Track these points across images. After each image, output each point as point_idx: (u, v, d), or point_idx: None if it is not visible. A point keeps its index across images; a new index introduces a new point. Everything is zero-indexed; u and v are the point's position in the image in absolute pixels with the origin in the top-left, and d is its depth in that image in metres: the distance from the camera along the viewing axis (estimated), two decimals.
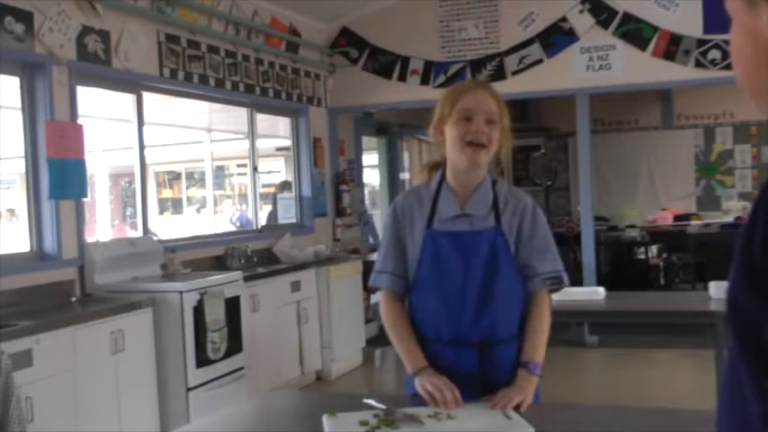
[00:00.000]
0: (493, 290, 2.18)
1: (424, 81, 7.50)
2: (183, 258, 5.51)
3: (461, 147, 2.19)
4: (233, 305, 5.04)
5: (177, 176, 14.10)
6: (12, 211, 8.14)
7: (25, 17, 4.40)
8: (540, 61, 7.25)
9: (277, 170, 10.32)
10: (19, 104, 4.54)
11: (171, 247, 5.48)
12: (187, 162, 13.11)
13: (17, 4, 4.35)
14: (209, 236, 6.57)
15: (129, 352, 4.27)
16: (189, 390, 4.61)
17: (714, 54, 6.80)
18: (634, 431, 2.00)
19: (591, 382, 6.68)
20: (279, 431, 2.08)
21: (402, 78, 7.57)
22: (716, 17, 6.57)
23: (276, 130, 7.93)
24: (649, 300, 5.19)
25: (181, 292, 4.61)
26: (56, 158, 4.55)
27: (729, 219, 9.64)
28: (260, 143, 7.25)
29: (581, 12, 7.13)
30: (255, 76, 6.66)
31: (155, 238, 5.57)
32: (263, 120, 7.18)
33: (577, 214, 8.31)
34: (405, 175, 10.27)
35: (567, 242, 8.68)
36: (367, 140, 9.33)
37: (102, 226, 9.33)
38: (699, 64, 6.88)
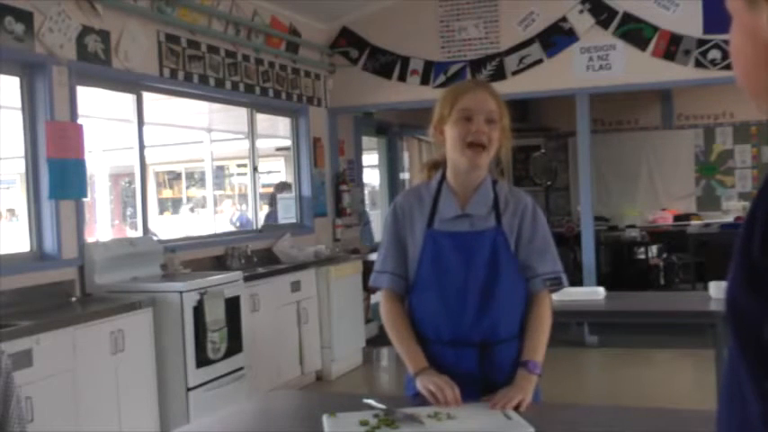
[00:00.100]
0: (494, 290, 2.18)
1: (424, 81, 7.50)
2: (183, 258, 5.51)
3: (462, 148, 2.19)
4: (233, 305, 5.04)
5: (177, 176, 14.09)
6: (12, 211, 8.14)
7: (25, 17, 4.40)
8: (540, 61, 7.25)
9: (277, 170, 10.32)
10: (19, 104, 4.54)
11: (171, 247, 5.48)
12: (187, 162, 13.10)
13: (17, 4, 4.35)
14: (209, 236, 6.57)
15: (129, 352, 4.27)
16: (189, 390, 4.61)
17: (714, 54, 6.80)
18: (634, 431, 2.00)
19: (591, 382, 6.68)
20: (279, 431, 2.08)
21: (402, 78, 7.58)
22: (716, 17, 6.57)
23: (276, 130, 7.93)
24: (649, 300, 5.19)
25: (181, 292, 4.61)
26: (56, 158, 4.55)
27: (729, 219, 9.65)
28: (260, 143, 7.25)
29: (581, 12, 7.13)
30: (255, 76, 6.66)
31: (155, 238, 5.57)
32: (263, 120, 7.18)
33: (577, 214, 8.31)
34: (405, 175, 10.26)
35: (567, 242, 8.68)
36: (367, 140, 9.33)
37: (102, 226, 9.32)
38: (699, 64, 6.88)
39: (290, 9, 7.08)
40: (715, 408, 0.84)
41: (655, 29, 6.98)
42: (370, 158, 9.87)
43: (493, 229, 2.22)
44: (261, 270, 6.00)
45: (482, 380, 2.16)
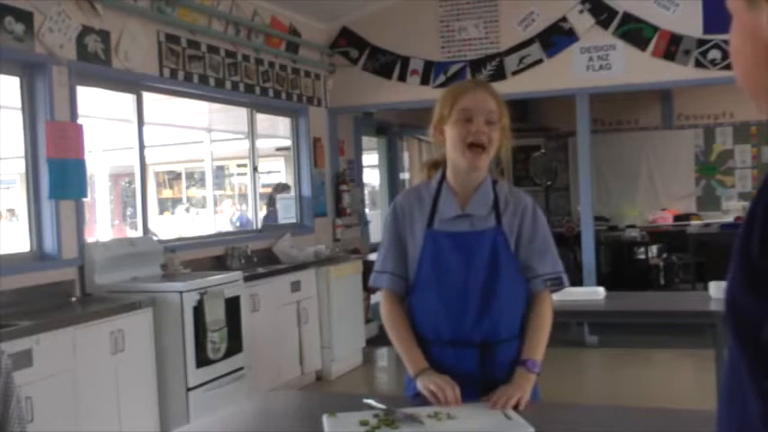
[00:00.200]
0: (495, 290, 2.18)
1: (424, 81, 7.50)
2: (183, 258, 5.51)
3: (462, 149, 2.19)
4: (233, 305, 5.04)
5: (177, 176, 14.09)
6: (12, 211, 8.14)
7: (25, 17, 4.40)
8: (540, 61, 7.25)
9: (277, 170, 10.32)
10: (19, 104, 4.54)
11: (171, 247, 5.48)
12: (187, 162, 13.10)
13: (17, 4, 4.35)
14: (209, 236, 6.58)
15: (129, 352, 4.27)
16: (189, 390, 4.61)
17: (714, 54, 6.80)
18: (634, 431, 2.00)
19: (591, 382, 6.68)
20: (279, 431, 2.08)
21: (402, 78, 7.57)
22: (716, 17, 6.57)
23: (276, 130, 7.93)
24: (649, 300, 5.19)
25: (181, 292, 4.61)
26: (56, 158, 4.55)
27: (729, 219, 9.65)
28: (260, 143, 7.25)
29: (581, 12, 7.13)
30: (255, 76, 6.66)
31: (155, 238, 5.57)
32: (263, 120, 7.18)
33: (577, 214, 8.31)
34: (405, 175, 10.26)
35: (567, 242, 8.68)
36: (367, 140, 9.33)
37: (102, 226, 9.33)
38: (699, 64, 6.88)
39: (290, 9, 7.08)
40: (715, 408, 0.84)
41: (655, 29, 6.98)
42: (370, 158, 9.87)
43: (493, 230, 2.22)
44: (261, 270, 6.00)
45: (482, 380, 2.16)
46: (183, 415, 4.55)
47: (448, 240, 2.21)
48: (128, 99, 5.48)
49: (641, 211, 10.35)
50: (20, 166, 4.78)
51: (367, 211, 9.09)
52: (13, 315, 3.87)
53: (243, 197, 11.95)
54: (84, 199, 4.87)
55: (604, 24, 7.09)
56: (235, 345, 5.03)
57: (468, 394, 2.08)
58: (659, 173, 10.63)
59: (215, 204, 10.17)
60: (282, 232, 6.94)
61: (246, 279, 5.40)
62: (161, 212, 13.47)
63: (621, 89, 7.49)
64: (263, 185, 8.07)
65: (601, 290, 4.70)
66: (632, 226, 9.79)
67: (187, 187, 14.07)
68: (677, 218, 10.12)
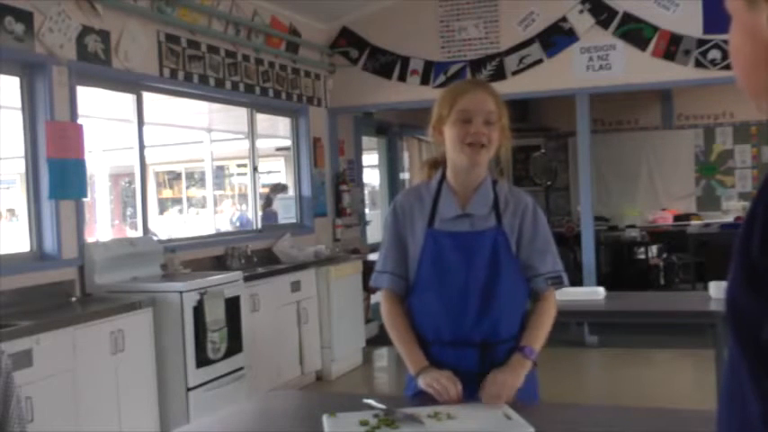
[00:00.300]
0: (495, 290, 2.18)
1: (424, 81, 7.50)
2: (183, 258, 5.51)
3: (461, 147, 2.19)
4: (233, 305, 5.04)
5: (177, 176, 14.09)
6: (12, 211, 8.14)
7: (25, 17, 4.40)
8: (540, 61, 7.25)
9: (277, 170, 10.32)
10: (19, 104, 4.54)
11: (171, 247, 5.48)
12: (187, 162, 13.10)
13: (17, 4, 4.35)
14: (210, 236, 6.58)
15: (129, 352, 4.27)
16: (189, 390, 4.61)
17: (714, 54, 6.80)
18: (634, 431, 2.00)
19: (591, 382, 6.68)
20: (279, 431, 2.08)
21: (402, 78, 7.58)
22: (716, 17, 6.57)
23: (276, 130, 7.93)
24: (649, 300, 5.19)
25: (181, 292, 4.61)
26: (56, 158, 4.55)
27: (729, 219, 9.65)
28: (260, 143, 7.25)
29: (581, 12, 7.13)
30: (255, 76, 6.66)
31: (155, 238, 5.57)
32: (263, 120, 7.17)
33: (577, 214, 8.31)
34: (405, 175, 10.27)
35: (567, 242, 8.68)
36: (367, 140, 9.32)
37: (102, 226, 9.32)
38: (699, 64, 6.88)
39: (290, 9, 7.08)
40: (715, 408, 0.84)
41: (655, 29, 6.98)
42: (370, 158, 9.88)
43: (493, 229, 2.22)
44: (261, 270, 5.99)
45: (482, 379, 2.16)
46: (183, 415, 4.55)
47: (448, 240, 2.21)
48: (128, 99, 5.48)
49: (641, 211, 10.35)
50: (20, 166, 4.78)
51: (367, 211, 9.09)
52: (13, 315, 3.87)
53: (243, 197, 11.95)
54: (84, 199, 4.87)
55: (604, 24, 7.09)
56: (235, 345, 5.03)
57: (468, 394, 2.08)
58: (659, 173, 10.63)
59: (215, 204, 10.17)
60: (282, 232, 6.94)
61: (246, 279, 5.40)
62: (161, 212, 13.48)
63: (621, 89, 7.50)
64: (263, 185, 8.07)
65: (601, 290, 4.70)
66: (632, 226, 9.79)
67: (187, 187, 14.07)
68: (677, 218, 10.12)
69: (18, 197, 7.90)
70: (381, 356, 7.46)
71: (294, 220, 7.45)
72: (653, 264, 9.71)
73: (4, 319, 3.77)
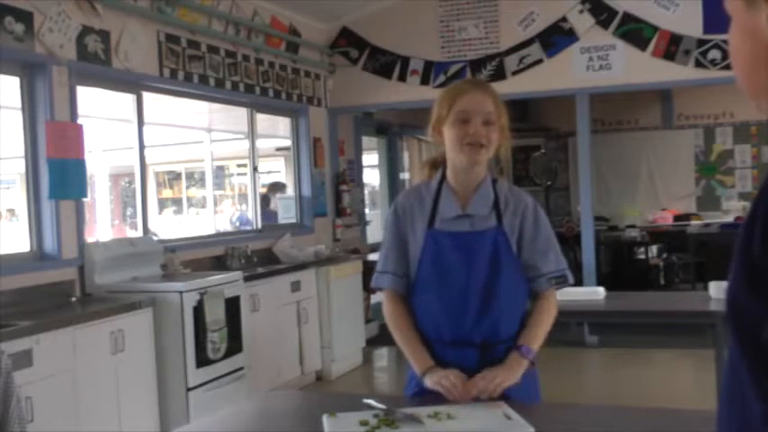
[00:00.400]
0: (496, 290, 2.18)
1: (424, 81, 7.50)
2: (183, 258, 5.51)
3: (460, 147, 2.19)
4: (233, 305, 5.04)
5: (177, 176, 14.09)
6: (12, 211, 8.14)
7: (25, 17, 4.40)
8: (540, 61, 7.25)
9: (277, 170, 10.32)
10: (19, 104, 4.54)
11: (171, 247, 5.48)
12: (187, 162, 13.10)
13: (17, 4, 4.35)
14: (210, 236, 6.57)
15: (129, 352, 4.27)
16: (189, 390, 4.61)
17: (714, 54, 6.80)
18: (634, 431, 2.00)
19: (591, 382, 6.68)
20: (279, 431, 2.08)
21: (402, 78, 7.58)
22: (716, 17, 6.56)
23: (276, 130, 7.93)
24: (649, 300, 5.19)
25: (181, 292, 4.61)
26: (56, 158, 4.55)
27: (729, 219, 9.65)
28: (260, 143, 7.25)
29: (581, 12, 7.13)
30: (255, 76, 6.66)
31: (155, 238, 5.57)
32: (263, 120, 7.17)
33: (577, 214, 8.31)
34: (405, 175, 10.26)
35: (567, 242, 8.67)
36: (367, 140, 9.33)
37: (102, 226, 9.32)
38: (699, 64, 6.88)
39: (290, 9, 7.08)
40: (715, 408, 0.84)
41: (655, 29, 6.98)
42: (370, 158, 9.87)
43: (493, 229, 2.21)
44: (261, 270, 5.99)
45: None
46: (183, 415, 4.55)
47: (448, 240, 2.21)
48: (128, 99, 5.48)
49: (641, 211, 10.35)
50: (20, 166, 4.78)
51: (367, 211, 9.09)
52: (13, 315, 3.87)
53: (243, 197, 11.95)
54: (84, 199, 4.87)
55: (604, 24, 7.09)
56: (235, 345, 5.03)
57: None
58: (659, 173, 10.63)
59: (215, 204, 10.17)
60: (282, 232, 6.94)
61: (246, 279, 5.40)
62: (160, 212, 13.48)
63: (621, 89, 7.50)
64: (262, 185, 8.07)
65: (601, 290, 4.69)
66: (632, 226, 9.79)
67: (187, 187, 14.07)
68: (677, 218, 10.12)
69: (18, 197, 7.91)
70: (381, 356, 7.46)
71: (294, 220, 7.45)
72: (653, 264, 9.71)
73: (4, 319, 3.77)
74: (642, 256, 9.75)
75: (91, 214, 8.23)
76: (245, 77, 6.51)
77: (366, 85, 7.68)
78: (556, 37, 7.20)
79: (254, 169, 7.12)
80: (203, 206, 12.35)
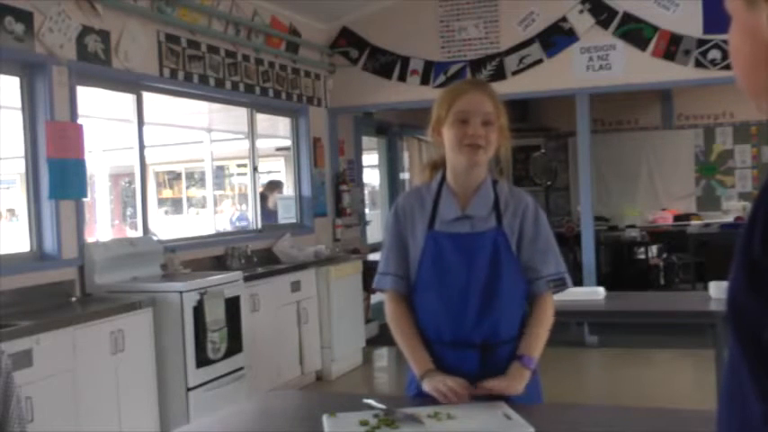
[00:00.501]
0: (496, 291, 2.18)
1: (424, 81, 7.50)
2: (183, 258, 5.51)
3: (459, 148, 2.19)
4: (233, 305, 5.04)
5: (177, 176, 14.09)
6: (12, 211, 8.14)
7: (25, 17, 4.40)
8: (540, 61, 7.25)
9: (277, 170, 10.32)
10: (19, 104, 4.54)
11: (171, 247, 5.48)
12: (187, 162, 13.10)
13: (17, 4, 4.35)
14: (210, 236, 6.57)
15: (129, 352, 4.27)
16: (189, 390, 4.61)
17: (714, 54, 6.80)
18: (634, 431, 2.00)
19: (591, 382, 6.68)
20: (279, 431, 2.08)
21: (402, 78, 7.58)
22: (716, 17, 6.56)
23: (276, 130, 7.93)
24: (649, 300, 5.19)
25: (181, 292, 4.61)
26: (56, 158, 4.55)
27: (729, 219, 9.65)
28: (260, 143, 7.25)
29: (581, 12, 7.13)
30: (255, 76, 6.66)
31: (155, 238, 5.57)
32: (263, 120, 7.17)
33: (577, 214, 8.31)
34: (405, 175, 10.26)
35: (567, 242, 8.67)
36: (367, 140, 9.32)
37: (102, 226, 9.32)
38: (699, 64, 6.88)
39: (290, 9, 7.08)
40: (715, 408, 0.84)
41: (655, 29, 6.98)
42: (370, 158, 9.87)
43: (494, 230, 2.21)
44: (261, 270, 6.00)
45: (483, 381, 2.16)
46: (183, 415, 4.55)
47: (448, 242, 2.21)
48: (128, 99, 5.48)
49: (641, 211, 10.35)
50: (20, 166, 4.78)
51: (367, 211, 9.09)
52: (13, 315, 3.87)
53: (243, 197, 11.94)
54: (84, 199, 4.87)
55: (604, 24, 7.09)
56: (235, 345, 5.03)
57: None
58: (659, 173, 10.63)
59: (215, 204, 10.16)
60: (282, 232, 6.94)
61: (246, 279, 5.40)
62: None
63: (621, 89, 7.50)
64: (262, 185, 8.07)
65: (601, 290, 4.69)
66: (632, 226, 9.79)
67: (187, 187, 14.06)
68: (677, 218, 10.12)
69: (18, 197, 7.90)
70: (381, 356, 7.46)
71: (294, 220, 7.45)
72: (653, 264, 9.71)
73: (4, 319, 3.77)
74: (642, 256, 9.75)
75: (91, 214, 8.23)
76: (245, 77, 6.51)
77: (366, 85, 7.68)
78: (556, 37, 7.20)
79: (255, 169, 7.12)
80: (203, 206, 12.34)
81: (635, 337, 7.16)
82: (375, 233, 8.75)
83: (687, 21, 6.87)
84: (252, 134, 7.01)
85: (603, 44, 7.11)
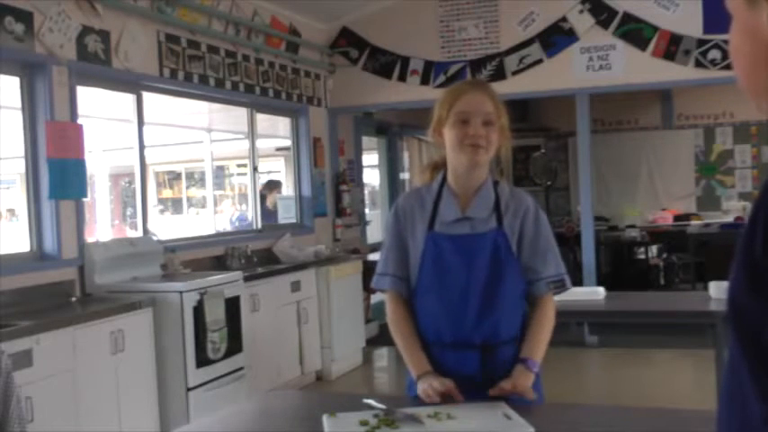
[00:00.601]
0: (496, 292, 2.18)
1: (424, 81, 7.50)
2: (183, 258, 5.51)
3: (460, 148, 2.19)
4: (233, 305, 5.04)
5: (177, 176, 14.09)
6: (12, 211, 8.14)
7: (25, 17, 4.40)
8: (540, 61, 7.25)
9: (277, 170, 10.32)
10: (19, 104, 4.54)
11: (171, 247, 5.48)
12: (187, 162, 13.10)
13: (17, 4, 4.35)
14: (210, 236, 6.57)
15: (129, 352, 4.27)
16: (189, 390, 4.61)
17: (714, 54, 6.80)
18: (634, 431, 2.00)
19: (591, 382, 6.68)
20: (279, 431, 2.08)
21: (402, 78, 7.58)
22: (716, 17, 6.57)
23: (276, 130, 7.93)
24: (649, 300, 5.19)
25: (181, 292, 4.61)
26: (56, 158, 4.55)
27: (729, 219, 9.65)
28: (260, 143, 7.25)
29: (581, 12, 7.13)
30: (255, 76, 6.66)
31: (155, 238, 5.57)
32: (263, 120, 7.17)
33: (577, 214, 8.31)
34: (405, 176, 10.26)
35: (567, 242, 8.67)
36: (367, 140, 9.32)
37: (102, 226, 9.32)
38: (699, 64, 6.88)
39: (290, 9, 7.08)
40: (715, 408, 0.84)
41: (655, 29, 6.98)
42: (370, 158, 9.87)
43: (494, 231, 2.21)
44: (261, 270, 5.99)
45: (483, 382, 2.15)
46: (183, 415, 4.55)
47: (449, 243, 2.21)
48: (128, 99, 5.48)
49: (641, 211, 10.35)
50: (20, 166, 4.78)
51: (367, 211, 9.09)
52: (13, 315, 3.87)
53: (243, 197, 11.94)
54: (84, 199, 4.87)
55: (604, 24, 7.09)
56: (235, 345, 5.03)
57: (469, 396, 2.08)
58: (659, 173, 10.63)
59: (215, 204, 10.16)
60: (282, 232, 6.94)
61: (246, 279, 5.40)
62: (160, 212, 13.47)
63: (621, 89, 7.50)
64: (261, 184, 8.07)
65: (601, 290, 4.69)
66: (632, 226, 9.79)
67: (187, 187, 14.06)
68: (677, 218, 10.12)
69: (18, 197, 7.90)
70: (381, 356, 7.46)
71: (294, 220, 7.45)
72: (653, 264, 9.71)
73: (4, 319, 3.77)
74: (642, 256, 9.75)
75: (91, 214, 8.23)
76: (245, 77, 6.51)
77: (366, 85, 7.68)
78: (556, 37, 7.20)
79: (255, 169, 7.12)
80: (203, 206, 12.34)
81: (635, 337, 7.16)
82: (375, 233, 8.75)
83: (687, 21, 6.87)
84: (252, 134, 7.01)
85: (603, 44, 7.11)
